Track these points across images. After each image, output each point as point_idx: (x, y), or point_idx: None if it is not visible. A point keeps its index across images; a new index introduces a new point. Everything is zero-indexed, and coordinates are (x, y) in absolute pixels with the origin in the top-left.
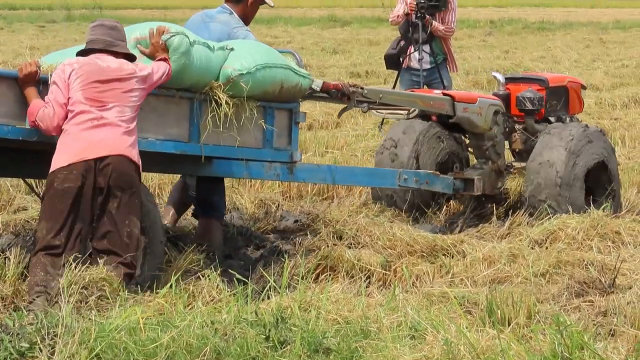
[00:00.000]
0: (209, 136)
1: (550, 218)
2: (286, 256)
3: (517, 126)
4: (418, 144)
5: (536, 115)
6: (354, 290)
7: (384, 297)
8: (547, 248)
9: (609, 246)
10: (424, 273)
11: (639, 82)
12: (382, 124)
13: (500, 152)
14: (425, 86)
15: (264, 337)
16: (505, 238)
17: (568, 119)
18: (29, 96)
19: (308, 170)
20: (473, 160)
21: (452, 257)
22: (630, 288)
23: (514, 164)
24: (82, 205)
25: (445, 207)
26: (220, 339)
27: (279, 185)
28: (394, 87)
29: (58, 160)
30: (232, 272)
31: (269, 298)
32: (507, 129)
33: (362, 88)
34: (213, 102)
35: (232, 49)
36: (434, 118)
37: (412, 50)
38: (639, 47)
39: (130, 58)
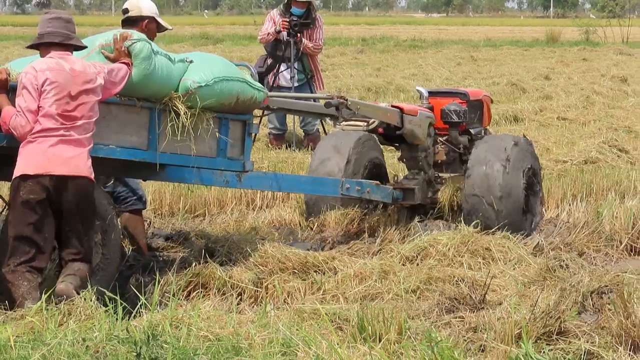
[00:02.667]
0: (167, 145)
1: (421, 235)
2: (158, 273)
3: (439, 139)
4: (350, 155)
5: (459, 128)
6: (226, 307)
7: (255, 314)
8: (418, 264)
9: (479, 262)
10: (295, 290)
11: (509, 99)
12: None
13: (430, 163)
14: None
15: (135, 354)
16: (376, 255)
17: (483, 130)
18: (0, 104)
19: (255, 178)
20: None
21: (324, 273)
22: (500, 304)
23: (442, 175)
24: (48, 217)
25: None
26: (91, 356)
27: (150, 203)
28: None
29: (23, 168)
30: (103, 289)
31: (140, 315)
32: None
33: (346, 99)
34: (172, 112)
35: (191, 62)
36: (380, 130)
37: (284, 68)
38: (510, 65)
39: (81, 48)
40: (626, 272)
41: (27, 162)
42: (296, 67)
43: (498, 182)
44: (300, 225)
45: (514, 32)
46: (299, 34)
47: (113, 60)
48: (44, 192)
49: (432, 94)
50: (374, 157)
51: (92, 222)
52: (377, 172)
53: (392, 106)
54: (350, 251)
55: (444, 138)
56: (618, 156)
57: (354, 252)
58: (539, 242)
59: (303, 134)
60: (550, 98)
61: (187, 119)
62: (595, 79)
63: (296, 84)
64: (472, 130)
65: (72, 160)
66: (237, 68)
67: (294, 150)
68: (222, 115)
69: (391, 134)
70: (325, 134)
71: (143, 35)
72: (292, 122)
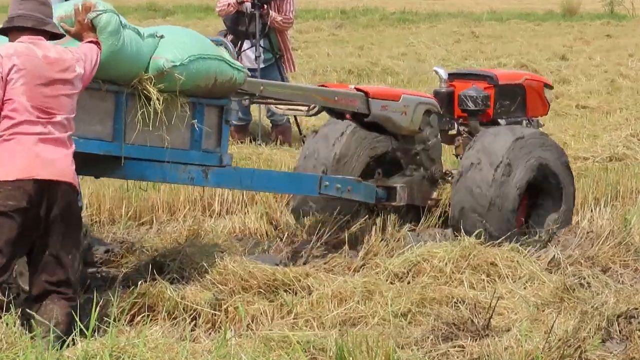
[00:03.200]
0: (135, 135)
1: (413, 247)
2: (95, 293)
3: (462, 129)
4: (341, 146)
5: (481, 117)
6: (177, 334)
7: (213, 342)
8: (409, 282)
9: (483, 280)
10: (261, 313)
11: None
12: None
13: (434, 157)
14: None
15: None
16: (359, 271)
17: (525, 121)
18: None
19: (224, 175)
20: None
21: (296, 293)
22: (508, 330)
23: (453, 171)
24: (26, 230)
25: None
26: None
27: (87, 207)
28: None
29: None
30: (31, 312)
31: (74, 343)
32: (450, 132)
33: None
34: (142, 97)
35: (162, 37)
36: (348, 116)
37: (247, 46)
38: (519, 43)
39: (58, 37)
40: None
41: (4, 163)
42: (262, 44)
43: (485, 190)
44: (267, 235)
45: (523, 3)
46: (265, 5)
47: (74, 35)
48: (24, 201)
49: (452, 76)
50: (381, 151)
51: (78, 239)
52: (386, 170)
53: (356, 89)
54: (327, 266)
55: (467, 129)
56: None
57: (332, 267)
58: (554, 256)
59: (270, 125)
60: (567, 82)
61: (159, 105)
62: (622, 59)
63: (262, 65)
64: (501, 121)
65: (57, 162)
66: (213, 44)
67: (260, 144)
68: (196, 100)
69: (361, 122)
70: (298, 127)
71: (109, 5)
72: (258, 111)
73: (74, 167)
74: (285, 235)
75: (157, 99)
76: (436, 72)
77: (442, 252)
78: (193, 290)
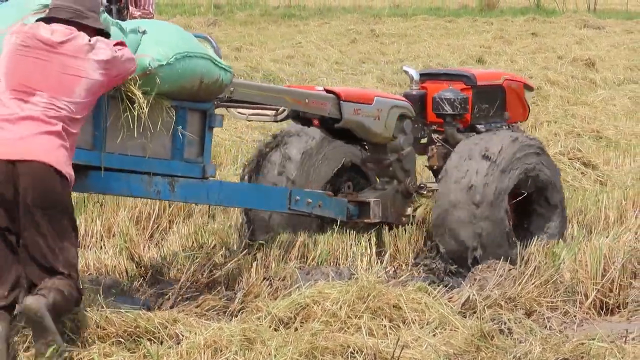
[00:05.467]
0: (116, 143)
1: (301, 286)
2: None
3: (436, 136)
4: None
5: (459, 122)
6: None
7: None
8: (296, 329)
9: (385, 326)
10: None
11: None
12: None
13: (408, 168)
14: None
15: None
16: (237, 315)
17: (504, 127)
18: None
19: (191, 187)
20: None
21: (162, 343)
22: None
23: (427, 184)
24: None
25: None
26: None
27: None
28: None
29: None
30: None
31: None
32: (422, 140)
33: None
34: (125, 99)
35: (144, 32)
36: (315, 122)
37: None
38: (427, 42)
39: (105, 36)
40: (594, 339)
41: None
42: None
43: (468, 208)
44: (127, 273)
45: None
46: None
47: None
48: None
49: (424, 76)
50: (349, 160)
51: (67, 227)
52: (357, 182)
53: (327, 90)
54: (199, 310)
55: (441, 137)
56: (582, 173)
57: (205, 311)
58: (469, 297)
59: None
60: None
61: (144, 109)
62: (550, 62)
63: None
64: (480, 127)
65: (24, 141)
66: (198, 41)
67: None
68: (178, 103)
69: (330, 128)
70: None
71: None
72: None
73: (59, 148)
74: (149, 273)
75: (142, 102)
76: (406, 72)
77: (336, 292)
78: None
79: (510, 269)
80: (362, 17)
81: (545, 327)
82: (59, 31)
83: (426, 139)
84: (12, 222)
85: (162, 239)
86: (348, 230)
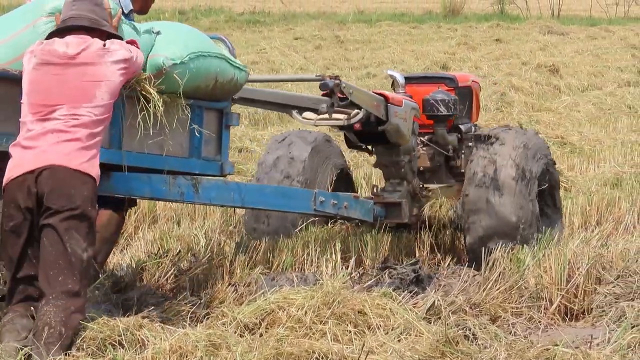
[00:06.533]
0: (133, 142)
1: (266, 292)
2: None
3: (421, 138)
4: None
5: (448, 123)
6: None
7: None
8: (261, 335)
9: (350, 332)
10: None
11: None
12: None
13: (415, 169)
14: None
15: None
16: (202, 321)
17: (473, 127)
18: None
19: (215, 189)
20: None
21: (126, 348)
22: None
23: (426, 185)
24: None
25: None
26: None
27: None
28: None
29: None
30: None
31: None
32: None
33: (339, 80)
34: (142, 98)
35: (158, 33)
36: (356, 127)
37: None
38: (392, 49)
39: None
40: (558, 344)
41: None
42: None
43: (508, 208)
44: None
45: (397, 2)
46: None
47: None
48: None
49: (409, 79)
50: (338, 164)
51: (82, 234)
52: (344, 185)
53: (375, 93)
54: (164, 316)
55: (427, 137)
56: None
57: (170, 316)
58: (434, 302)
59: None
60: None
61: (159, 107)
62: (514, 68)
63: None
64: (462, 127)
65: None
66: (212, 41)
67: None
68: (195, 102)
69: (371, 131)
70: None
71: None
72: None
73: (79, 151)
74: (114, 279)
75: (157, 100)
76: (391, 77)
77: (301, 298)
78: None
79: (474, 275)
80: (327, 23)
81: (510, 332)
82: (73, 43)
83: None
84: (31, 228)
85: (127, 245)
86: (312, 236)
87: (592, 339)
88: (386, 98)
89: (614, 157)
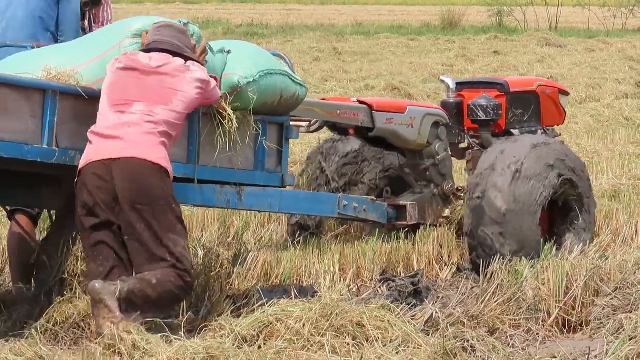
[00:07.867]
0: (208, 157)
1: (264, 304)
2: None
3: (472, 141)
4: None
5: (493, 127)
6: None
7: None
8: (260, 347)
9: (348, 344)
10: None
11: None
12: None
13: (445, 172)
14: None
15: None
16: (199, 333)
17: (539, 131)
18: None
19: (255, 196)
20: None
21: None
22: None
23: (463, 187)
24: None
25: None
26: None
27: None
28: None
29: None
30: None
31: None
32: (460, 144)
33: None
34: (218, 116)
35: (229, 52)
36: (351, 132)
37: None
38: (390, 61)
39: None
40: (556, 356)
41: None
42: None
43: (499, 200)
44: None
45: (395, 14)
46: (87, 13)
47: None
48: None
49: (460, 85)
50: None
51: (171, 222)
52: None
53: (359, 101)
54: (162, 327)
55: (478, 141)
56: None
57: (168, 328)
58: (432, 315)
59: None
60: None
61: (234, 124)
62: None
63: None
64: (514, 131)
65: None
66: (275, 58)
67: None
68: (260, 118)
69: (365, 137)
70: None
71: (197, 27)
72: None
73: (157, 145)
74: None
75: (231, 117)
76: (443, 82)
77: (299, 310)
78: None
79: (473, 287)
80: (325, 36)
81: (508, 345)
82: (156, 58)
83: (465, 143)
84: (111, 218)
85: None
86: (310, 248)
87: (590, 351)
88: (370, 106)
89: (611, 169)
